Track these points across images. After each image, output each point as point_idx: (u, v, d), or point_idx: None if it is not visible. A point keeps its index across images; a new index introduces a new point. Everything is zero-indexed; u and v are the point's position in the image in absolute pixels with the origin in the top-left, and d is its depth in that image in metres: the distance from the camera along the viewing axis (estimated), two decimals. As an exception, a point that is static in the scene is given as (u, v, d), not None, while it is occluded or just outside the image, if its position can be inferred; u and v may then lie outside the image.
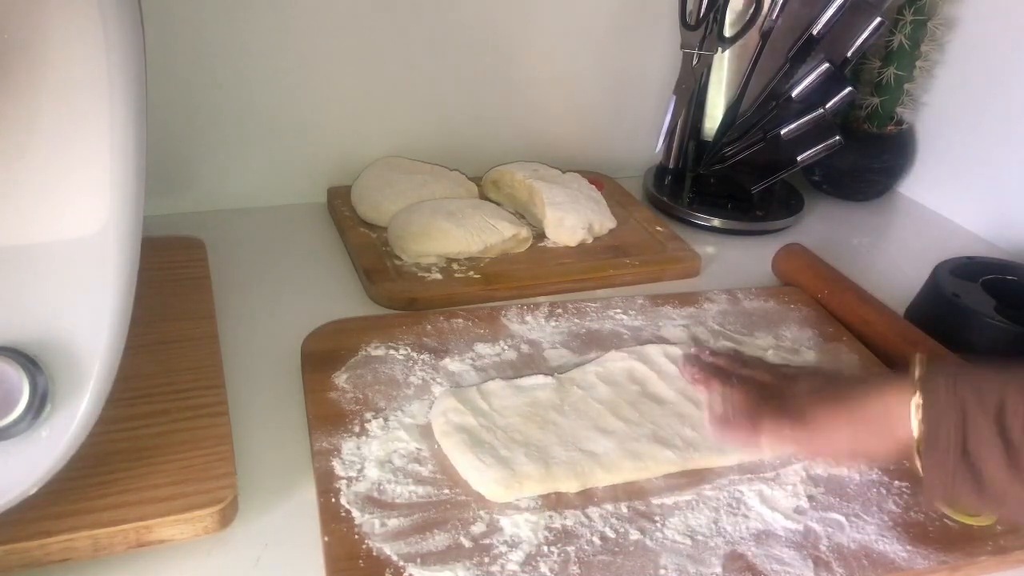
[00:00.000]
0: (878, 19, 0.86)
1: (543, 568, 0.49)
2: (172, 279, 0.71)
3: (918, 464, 0.50)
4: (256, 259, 0.81)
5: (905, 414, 0.50)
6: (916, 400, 0.50)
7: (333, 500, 0.52)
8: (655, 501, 0.54)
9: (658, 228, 0.90)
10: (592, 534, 0.51)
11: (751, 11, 0.87)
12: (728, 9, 0.88)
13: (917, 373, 0.51)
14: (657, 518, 0.53)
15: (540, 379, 0.63)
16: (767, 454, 0.57)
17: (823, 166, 1.03)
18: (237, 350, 0.66)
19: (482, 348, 0.68)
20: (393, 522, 0.51)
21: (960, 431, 0.48)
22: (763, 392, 0.58)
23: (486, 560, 0.49)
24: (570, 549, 0.50)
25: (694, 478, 0.57)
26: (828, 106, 0.89)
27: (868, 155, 1.03)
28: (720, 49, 0.90)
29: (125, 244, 0.44)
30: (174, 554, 0.49)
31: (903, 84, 1.00)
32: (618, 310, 0.75)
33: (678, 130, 0.98)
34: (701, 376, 0.62)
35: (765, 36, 0.89)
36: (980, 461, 0.47)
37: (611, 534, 0.52)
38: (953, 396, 0.49)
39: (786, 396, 0.56)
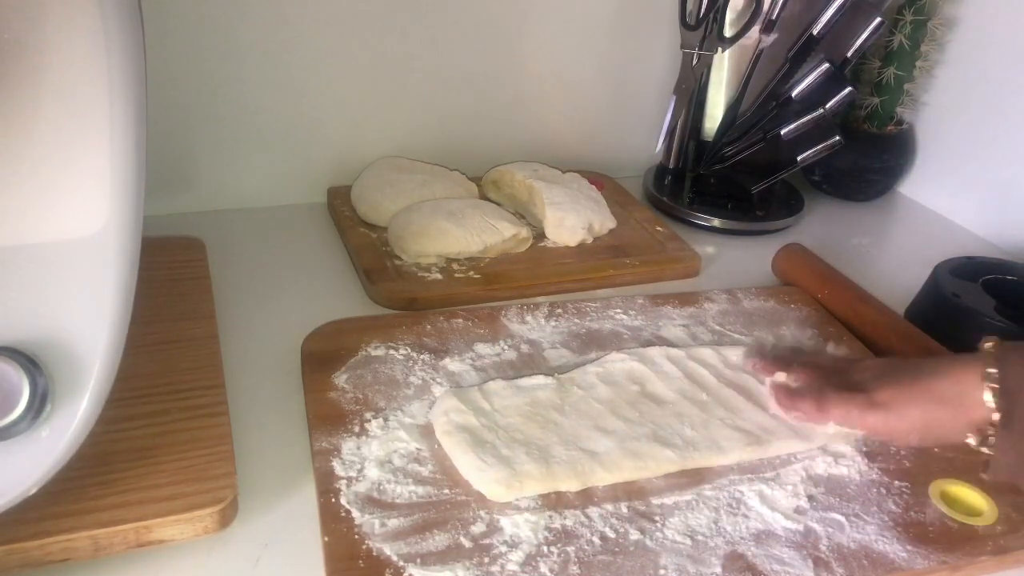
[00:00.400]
0: (878, 19, 0.87)
1: (543, 568, 0.49)
2: (172, 279, 0.71)
3: (986, 442, 0.49)
4: (256, 259, 0.81)
5: (979, 391, 0.49)
6: (989, 370, 0.49)
7: (333, 500, 0.52)
8: (655, 501, 0.54)
9: (658, 228, 0.90)
10: (592, 534, 0.51)
11: (751, 11, 0.87)
12: (728, 9, 0.88)
13: (989, 347, 0.50)
14: (657, 518, 0.53)
15: (540, 379, 0.63)
16: (832, 438, 0.55)
17: (823, 166, 1.03)
18: (237, 350, 0.66)
19: (482, 348, 0.68)
20: (393, 522, 0.51)
21: None
22: (827, 372, 0.58)
23: (486, 560, 0.49)
24: (570, 549, 0.50)
25: (694, 478, 0.57)
26: (828, 106, 0.89)
27: (868, 155, 1.03)
28: (720, 49, 0.90)
29: (125, 244, 0.44)
30: (174, 554, 0.49)
31: (903, 84, 1.01)
32: (618, 310, 0.75)
33: (678, 130, 0.98)
34: (762, 364, 0.62)
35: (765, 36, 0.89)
36: None
37: (611, 534, 0.52)
38: None
39: (852, 377, 0.55)
